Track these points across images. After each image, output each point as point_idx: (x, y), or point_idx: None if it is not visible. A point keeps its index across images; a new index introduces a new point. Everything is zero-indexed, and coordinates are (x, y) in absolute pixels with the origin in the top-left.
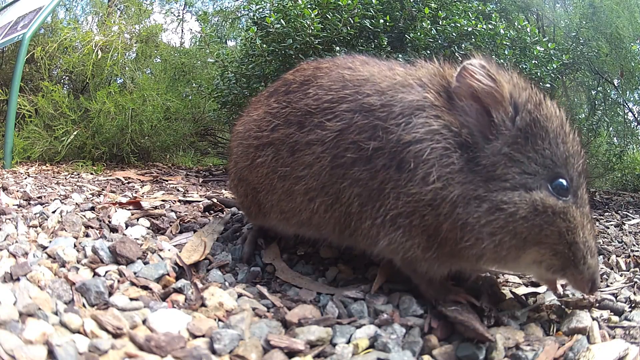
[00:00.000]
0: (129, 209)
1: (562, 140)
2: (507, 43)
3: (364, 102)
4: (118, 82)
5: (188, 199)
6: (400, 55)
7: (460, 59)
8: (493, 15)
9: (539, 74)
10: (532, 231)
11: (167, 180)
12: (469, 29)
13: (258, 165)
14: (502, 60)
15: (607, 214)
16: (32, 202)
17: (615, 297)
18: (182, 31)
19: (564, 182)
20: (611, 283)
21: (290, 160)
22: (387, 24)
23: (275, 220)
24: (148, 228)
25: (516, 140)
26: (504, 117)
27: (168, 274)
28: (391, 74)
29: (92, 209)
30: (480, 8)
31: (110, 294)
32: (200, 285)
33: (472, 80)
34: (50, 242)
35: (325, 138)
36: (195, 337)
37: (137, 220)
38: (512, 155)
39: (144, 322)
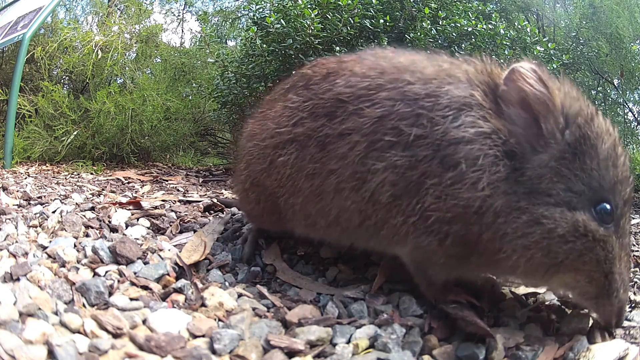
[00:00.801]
0: (129, 209)
1: (612, 163)
2: (507, 43)
3: (406, 90)
4: (118, 82)
5: (188, 199)
6: None
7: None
8: (493, 15)
9: None
10: (571, 255)
11: (167, 180)
12: (469, 29)
13: (278, 166)
14: (502, 60)
15: None
16: (32, 202)
17: None
18: (182, 31)
19: (608, 207)
20: None
21: (320, 155)
22: (387, 24)
23: (300, 226)
24: (148, 228)
25: (564, 155)
26: (554, 128)
27: (168, 274)
28: (435, 63)
29: (92, 209)
30: (480, 8)
31: (110, 294)
32: (200, 285)
33: (523, 84)
34: (50, 242)
35: (363, 125)
36: (195, 337)
37: (137, 220)
38: (559, 170)
39: (144, 322)
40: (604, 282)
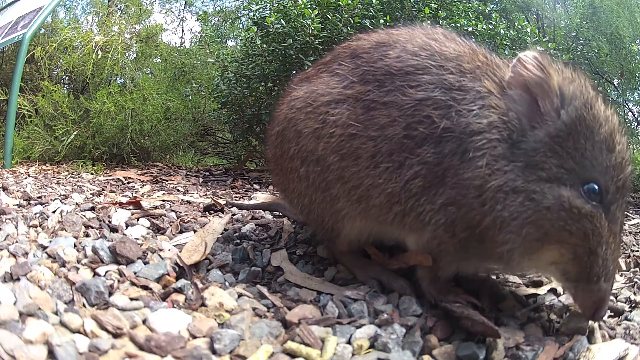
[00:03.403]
0: (129, 209)
1: (607, 147)
2: (507, 43)
3: (445, 78)
4: (118, 82)
5: (188, 199)
6: None
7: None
8: (493, 15)
9: None
10: (556, 224)
11: (167, 180)
12: (469, 29)
13: (330, 125)
14: None
15: None
16: (32, 202)
17: (616, 297)
18: (182, 31)
19: (596, 187)
20: None
21: (364, 118)
22: (387, 24)
23: (349, 209)
24: (148, 228)
25: (559, 134)
26: (550, 108)
27: (168, 274)
28: (476, 58)
29: (92, 209)
30: (480, 8)
31: (111, 294)
32: (200, 285)
33: (523, 69)
34: (50, 242)
35: (404, 104)
36: (195, 337)
37: (137, 220)
38: (553, 146)
39: (144, 322)
40: (586, 261)
